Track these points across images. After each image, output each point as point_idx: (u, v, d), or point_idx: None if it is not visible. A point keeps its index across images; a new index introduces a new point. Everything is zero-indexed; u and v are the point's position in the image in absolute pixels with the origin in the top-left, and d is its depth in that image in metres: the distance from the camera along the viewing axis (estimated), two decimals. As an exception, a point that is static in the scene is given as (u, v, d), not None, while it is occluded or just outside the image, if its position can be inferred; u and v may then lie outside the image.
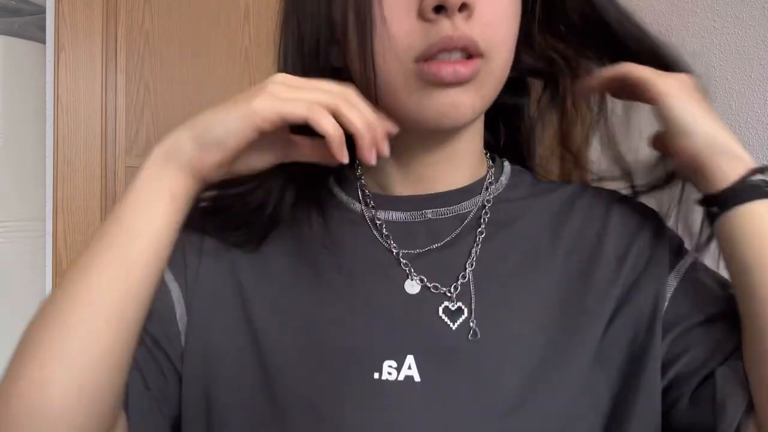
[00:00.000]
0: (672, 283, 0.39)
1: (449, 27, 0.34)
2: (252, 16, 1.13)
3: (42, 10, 1.10)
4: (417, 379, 0.35)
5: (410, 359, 0.36)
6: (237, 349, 0.39)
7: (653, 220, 0.42)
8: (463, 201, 0.42)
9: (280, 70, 0.39)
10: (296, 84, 0.35)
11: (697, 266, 0.40)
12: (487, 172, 0.44)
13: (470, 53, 0.35)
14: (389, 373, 0.36)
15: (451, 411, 0.35)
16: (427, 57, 0.35)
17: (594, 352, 0.37)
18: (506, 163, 0.46)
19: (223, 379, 0.38)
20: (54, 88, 0.96)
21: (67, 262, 0.98)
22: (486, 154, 0.46)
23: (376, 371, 0.36)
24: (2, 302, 1.12)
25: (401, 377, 0.35)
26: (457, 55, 0.35)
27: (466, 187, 0.42)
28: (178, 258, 0.41)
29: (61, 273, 0.98)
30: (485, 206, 0.42)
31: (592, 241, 0.40)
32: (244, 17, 1.12)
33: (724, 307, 0.37)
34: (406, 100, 0.36)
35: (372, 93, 0.36)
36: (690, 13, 1.23)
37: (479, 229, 0.41)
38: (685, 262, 0.40)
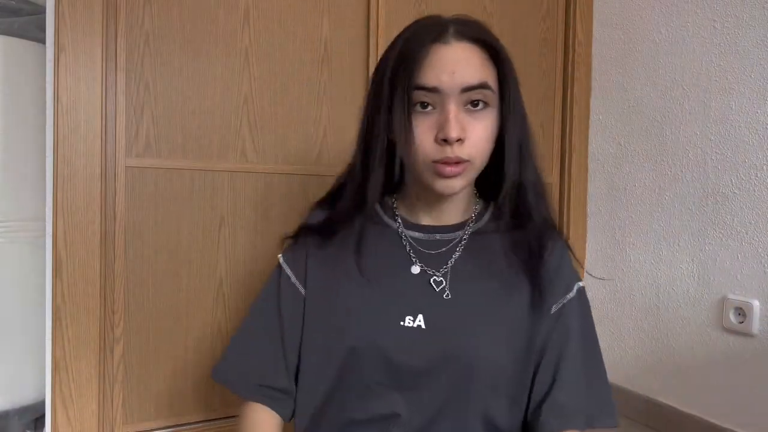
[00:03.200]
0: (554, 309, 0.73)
1: (450, 151, 0.63)
2: (252, 16, 1.13)
3: (42, 10, 1.10)
4: (423, 326, 0.67)
5: (420, 316, 0.67)
6: (320, 308, 0.73)
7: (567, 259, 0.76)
8: (456, 231, 0.74)
9: (358, 146, 0.72)
10: None
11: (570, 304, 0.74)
12: (471, 215, 0.76)
13: (461, 161, 0.64)
14: (409, 323, 0.67)
15: (438, 341, 0.67)
16: (437, 161, 0.64)
17: (523, 308, 0.70)
18: (491, 208, 0.77)
19: (317, 320, 0.73)
20: (54, 88, 0.96)
21: (67, 262, 0.98)
22: (479, 198, 0.79)
23: (401, 321, 0.67)
24: (2, 302, 1.11)
25: (415, 325, 0.67)
26: (453, 165, 0.65)
27: (458, 223, 0.75)
28: (299, 262, 0.76)
29: (61, 273, 0.97)
30: (465, 235, 0.74)
31: (525, 260, 0.72)
32: (244, 17, 1.12)
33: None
34: (427, 181, 0.67)
35: (412, 173, 0.71)
36: (690, 12, 1.27)
37: (459, 246, 0.73)
38: (566, 299, 0.73)
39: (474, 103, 0.64)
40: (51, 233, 0.97)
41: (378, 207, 0.75)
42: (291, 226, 0.80)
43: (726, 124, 1.18)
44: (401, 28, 0.69)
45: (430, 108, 0.64)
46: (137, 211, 1.05)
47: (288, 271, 0.76)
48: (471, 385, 0.66)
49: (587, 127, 1.50)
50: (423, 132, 0.64)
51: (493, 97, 0.66)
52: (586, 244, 1.50)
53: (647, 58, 1.36)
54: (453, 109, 0.63)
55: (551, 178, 1.49)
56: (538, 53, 1.47)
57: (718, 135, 1.20)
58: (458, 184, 0.66)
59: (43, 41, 1.03)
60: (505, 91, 0.67)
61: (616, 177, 1.43)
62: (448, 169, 0.64)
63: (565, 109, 1.49)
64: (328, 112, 1.20)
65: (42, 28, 1.01)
